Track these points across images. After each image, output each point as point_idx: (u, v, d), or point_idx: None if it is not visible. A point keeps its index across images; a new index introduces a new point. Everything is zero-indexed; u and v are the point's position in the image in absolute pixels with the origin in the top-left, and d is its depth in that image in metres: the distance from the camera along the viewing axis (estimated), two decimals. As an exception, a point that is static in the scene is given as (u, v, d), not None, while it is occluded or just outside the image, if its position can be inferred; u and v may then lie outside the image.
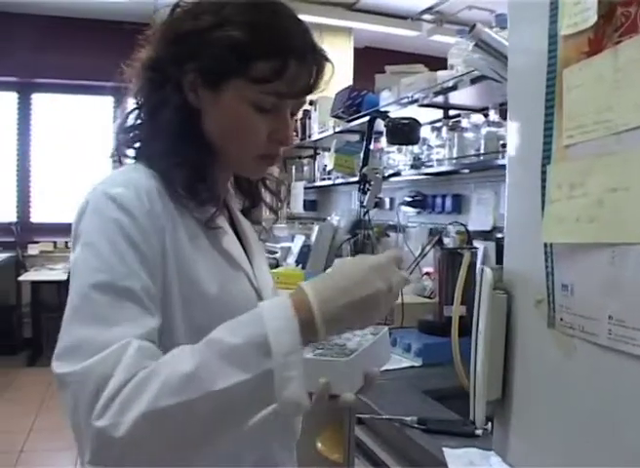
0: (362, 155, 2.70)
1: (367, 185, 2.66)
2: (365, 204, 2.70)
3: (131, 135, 0.88)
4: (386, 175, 2.75)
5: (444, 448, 1.17)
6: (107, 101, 5.40)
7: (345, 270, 0.72)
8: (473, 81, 1.95)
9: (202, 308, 0.79)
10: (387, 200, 3.16)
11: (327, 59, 0.85)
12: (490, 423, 1.28)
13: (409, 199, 2.84)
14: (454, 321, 1.57)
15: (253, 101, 0.82)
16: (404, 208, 2.92)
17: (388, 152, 2.93)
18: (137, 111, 0.88)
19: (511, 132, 0.83)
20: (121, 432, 0.61)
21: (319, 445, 2.01)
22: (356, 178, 3.02)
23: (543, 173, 0.73)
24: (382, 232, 3.14)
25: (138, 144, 0.87)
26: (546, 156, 0.73)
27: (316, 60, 0.83)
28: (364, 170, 2.63)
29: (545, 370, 0.75)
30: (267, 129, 0.84)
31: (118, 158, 0.88)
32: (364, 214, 2.95)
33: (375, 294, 0.69)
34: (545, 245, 0.74)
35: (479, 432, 1.24)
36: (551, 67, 0.72)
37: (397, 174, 2.75)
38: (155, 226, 0.76)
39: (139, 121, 0.87)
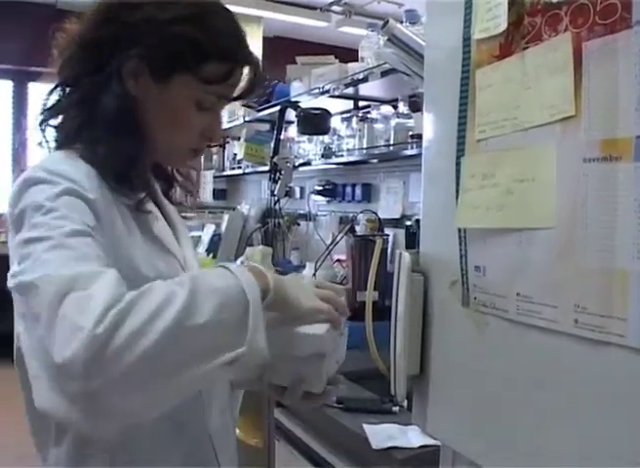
0: (272, 144, 2.73)
1: (278, 174, 2.70)
2: (276, 193, 2.74)
3: (51, 113, 0.86)
4: (297, 164, 2.80)
5: (364, 425, 1.24)
6: (6, 85, 5.12)
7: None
8: (384, 74, 2.02)
9: None
10: (298, 189, 3.21)
11: (261, 68, 0.91)
12: (406, 401, 1.36)
13: (319, 188, 2.90)
14: (367, 305, 1.64)
15: (196, 99, 0.85)
16: (314, 197, 2.98)
17: (299, 142, 2.98)
18: (59, 89, 0.86)
19: (427, 125, 0.89)
20: (117, 343, 0.58)
21: (237, 431, 2.04)
22: (266, 168, 3.06)
23: (458, 164, 0.80)
24: (293, 221, 3.19)
25: (68, 128, 0.85)
26: (460, 149, 0.79)
27: (254, 68, 0.89)
28: (275, 159, 2.67)
29: (460, 345, 0.82)
30: (202, 125, 0.88)
31: (43, 139, 0.86)
32: (275, 203, 2.99)
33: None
34: (459, 230, 0.80)
35: (396, 409, 1.32)
36: (465, 67, 0.78)
37: (308, 163, 2.80)
38: (98, 203, 0.76)
39: (62, 100, 0.86)
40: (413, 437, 1.17)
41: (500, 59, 0.73)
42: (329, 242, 2.70)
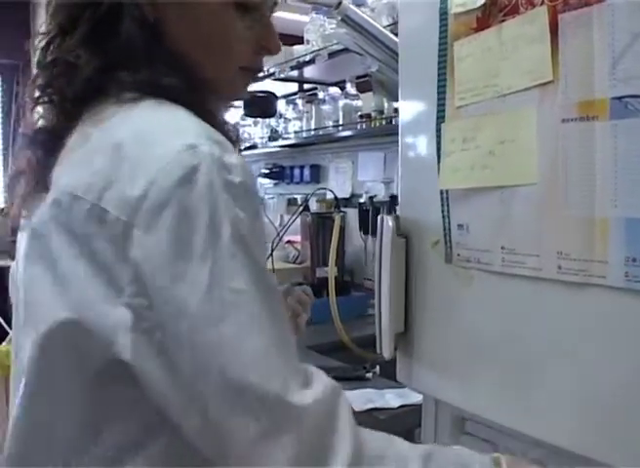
0: (218, 129, 2.73)
1: (224, 159, 2.71)
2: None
3: (54, 71, 0.69)
4: (243, 147, 2.82)
5: (341, 390, 1.30)
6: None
7: None
8: (331, 55, 2.06)
9: None
10: (243, 173, 3.22)
11: None
12: (378, 367, 1.43)
13: (266, 171, 2.92)
14: (330, 280, 1.70)
15: None
16: (261, 180, 3.00)
17: (243, 125, 2.99)
18: (58, 40, 0.69)
19: (404, 96, 0.94)
20: None
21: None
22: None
23: (438, 130, 0.85)
24: (240, 205, 3.20)
25: (84, 78, 0.66)
26: (440, 116, 0.85)
27: None
28: (221, 143, 2.68)
29: (444, 300, 0.88)
30: (251, 34, 0.74)
31: (49, 100, 0.70)
32: (222, 188, 2.99)
33: None
34: (442, 192, 0.86)
35: (369, 375, 1.39)
36: (442, 40, 0.84)
37: (254, 146, 2.82)
38: None
39: (62, 53, 0.68)
40: (391, 399, 1.24)
41: (477, 32, 0.79)
42: (277, 224, 2.74)
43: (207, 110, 0.67)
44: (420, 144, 0.90)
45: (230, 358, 0.54)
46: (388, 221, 0.93)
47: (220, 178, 0.57)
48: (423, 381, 0.96)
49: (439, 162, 0.85)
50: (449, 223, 0.86)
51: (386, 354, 0.96)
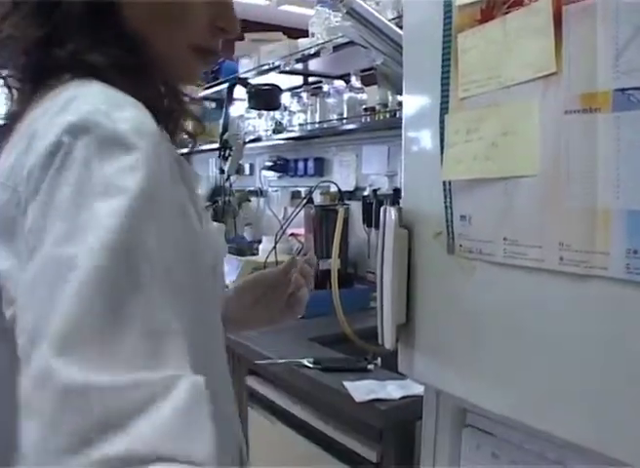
0: (222, 122, 2.74)
1: (228, 151, 2.71)
2: (227, 170, 2.75)
3: (7, 51, 0.66)
4: (247, 140, 2.82)
5: (344, 382, 1.30)
6: None
7: None
8: (336, 48, 2.07)
9: None
10: (247, 166, 3.23)
11: None
12: (380, 358, 1.43)
13: (270, 163, 2.93)
14: (333, 273, 1.70)
15: None
16: (265, 172, 3.00)
17: (247, 118, 2.99)
18: (16, 16, 0.65)
19: (408, 89, 0.95)
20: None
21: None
22: (215, 145, 3.06)
23: (442, 121, 0.86)
24: (244, 198, 3.21)
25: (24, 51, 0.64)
26: (444, 107, 0.85)
27: None
28: (225, 136, 2.68)
29: (448, 292, 0.88)
30: (207, 10, 0.70)
31: (5, 84, 0.67)
32: (225, 181, 3.00)
33: None
34: (444, 183, 0.86)
35: (371, 367, 1.40)
36: (447, 32, 0.84)
37: (258, 139, 2.82)
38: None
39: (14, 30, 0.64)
40: (392, 390, 1.24)
41: (481, 24, 0.79)
42: (281, 217, 2.75)
43: (143, 90, 0.62)
44: (424, 137, 0.90)
45: (44, 326, 0.46)
46: (391, 212, 0.94)
47: (102, 136, 0.52)
48: (425, 372, 0.96)
49: (442, 153, 0.86)
50: (451, 214, 0.86)
51: (388, 345, 0.96)
